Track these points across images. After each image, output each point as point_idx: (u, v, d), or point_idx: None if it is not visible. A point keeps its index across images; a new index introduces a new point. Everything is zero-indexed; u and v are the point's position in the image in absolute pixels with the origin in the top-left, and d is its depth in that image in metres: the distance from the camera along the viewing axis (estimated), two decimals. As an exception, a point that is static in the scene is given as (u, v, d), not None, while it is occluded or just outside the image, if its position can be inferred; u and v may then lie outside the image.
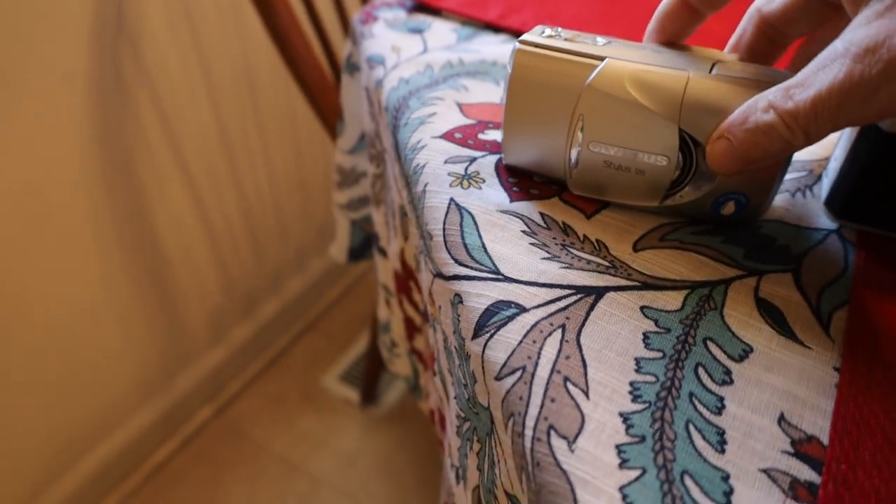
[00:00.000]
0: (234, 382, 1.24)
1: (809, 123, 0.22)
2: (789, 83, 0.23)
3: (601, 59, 0.28)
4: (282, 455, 1.15)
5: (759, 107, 0.24)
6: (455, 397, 0.32)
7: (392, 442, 1.17)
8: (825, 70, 0.22)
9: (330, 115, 0.74)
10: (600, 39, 0.29)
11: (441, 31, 0.47)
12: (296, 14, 0.69)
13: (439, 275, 0.30)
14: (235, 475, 1.12)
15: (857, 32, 0.21)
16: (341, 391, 1.25)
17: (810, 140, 0.23)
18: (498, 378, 0.25)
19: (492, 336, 0.26)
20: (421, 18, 0.49)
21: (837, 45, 0.22)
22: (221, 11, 0.91)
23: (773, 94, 0.24)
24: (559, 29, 0.30)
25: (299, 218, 1.26)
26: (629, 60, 0.28)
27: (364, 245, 0.68)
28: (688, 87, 0.26)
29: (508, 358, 0.25)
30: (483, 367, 0.26)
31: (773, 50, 0.30)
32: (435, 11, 0.50)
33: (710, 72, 0.27)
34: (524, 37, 0.30)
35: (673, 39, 0.31)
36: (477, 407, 0.28)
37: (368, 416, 1.21)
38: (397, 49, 0.45)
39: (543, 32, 0.30)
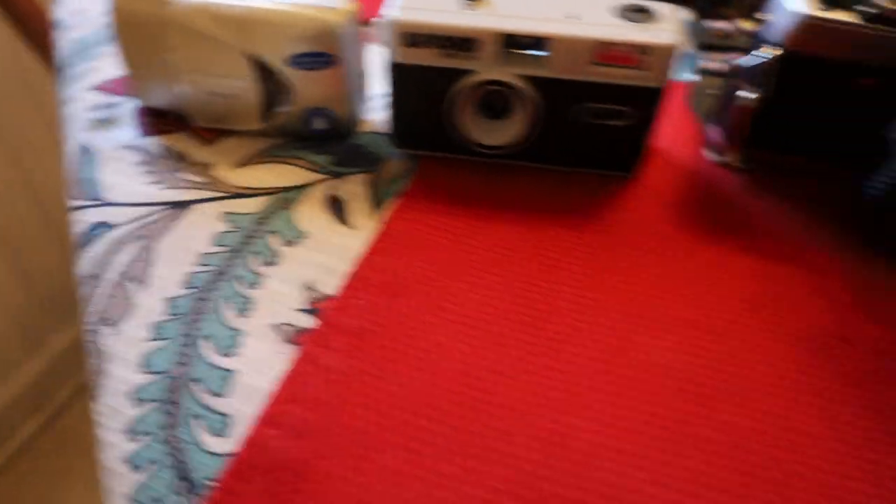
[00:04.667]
0: (63, 390, 1.19)
1: None
2: None
3: (178, -5, 0.31)
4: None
5: None
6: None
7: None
8: None
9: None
10: (185, -21, 0.32)
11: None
12: None
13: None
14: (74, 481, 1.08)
15: None
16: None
17: None
18: (80, 287, 0.27)
19: (82, 253, 0.28)
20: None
21: None
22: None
23: None
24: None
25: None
26: (203, -5, 0.30)
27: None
28: (248, 14, 0.30)
29: (89, 269, 0.27)
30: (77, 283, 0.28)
31: None
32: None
33: None
34: (116, -19, 0.32)
35: None
36: None
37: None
38: (82, 11, 0.46)
39: (135, -23, 0.32)
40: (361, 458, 0.20)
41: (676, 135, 0.34)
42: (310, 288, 0.26)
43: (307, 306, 0.25)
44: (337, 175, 0.32)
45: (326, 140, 0.34)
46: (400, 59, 0.28)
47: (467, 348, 0.24)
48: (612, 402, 0.22)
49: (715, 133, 0.32)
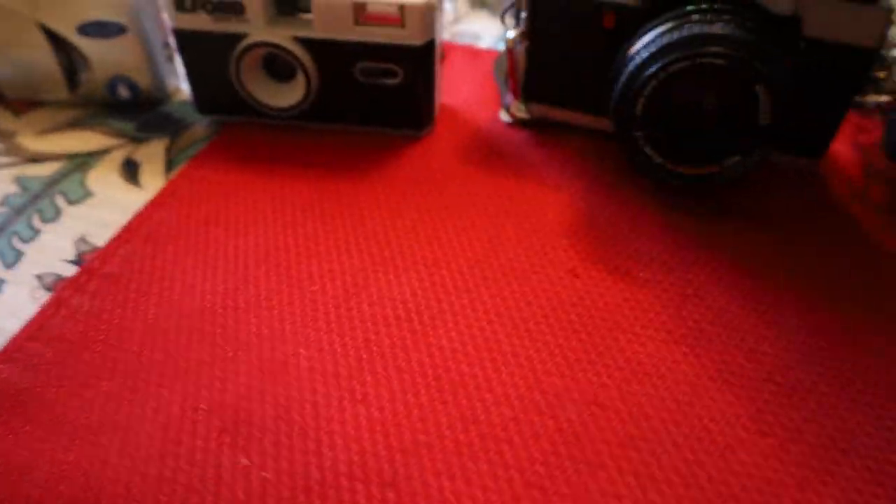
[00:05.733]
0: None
1: None
2: None
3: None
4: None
5: None
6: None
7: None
8: None
9: None
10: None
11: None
12: None
13: None
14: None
15: None
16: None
17: None
18: None
19: None
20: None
21: None
22: None
23: None
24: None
25: None
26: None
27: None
28: (33, -15, 0.31)
29: None
30: None
31: None
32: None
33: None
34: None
35: None
36: None
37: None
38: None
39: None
40: (83, 385, 0.22)
41: (478, 98, 0.37)
42: (82, 241, 0.28)
43: (75, 258, 0.27)
44: (139, 140, 0.33)
45: (135, 108, 0.35)
46: (177, 25, 0.30)
47: (216, 288, 0.25)
48: (337, 333, 0.24)
49: (504, 93, 0.35)
